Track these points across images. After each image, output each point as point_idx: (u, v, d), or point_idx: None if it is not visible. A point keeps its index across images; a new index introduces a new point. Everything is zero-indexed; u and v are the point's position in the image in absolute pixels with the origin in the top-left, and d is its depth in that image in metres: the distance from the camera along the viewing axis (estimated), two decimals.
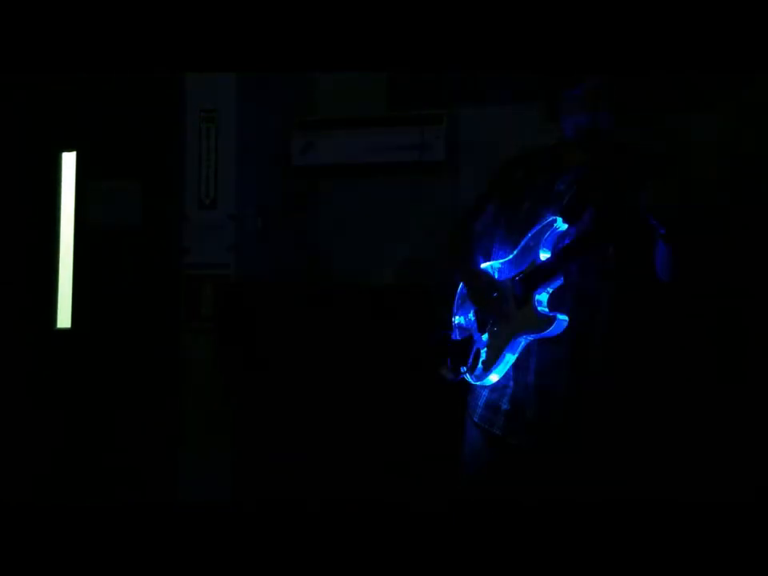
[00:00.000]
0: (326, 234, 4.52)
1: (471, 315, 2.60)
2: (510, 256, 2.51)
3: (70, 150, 4.67)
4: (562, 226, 2.39)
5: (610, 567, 2.34)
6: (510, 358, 2.46)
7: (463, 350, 2.57)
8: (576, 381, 2.42)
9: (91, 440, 4.39)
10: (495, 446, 2.52)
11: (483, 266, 2.60)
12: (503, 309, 2.47)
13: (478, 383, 2.54)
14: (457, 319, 2.65)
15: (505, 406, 2.49)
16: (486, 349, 2.52)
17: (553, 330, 2.37)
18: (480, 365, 2.52)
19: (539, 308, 2.39)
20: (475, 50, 3.39)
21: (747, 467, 3.26)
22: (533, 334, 2.40)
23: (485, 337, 2.53)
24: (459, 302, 2.66)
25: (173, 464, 4.18)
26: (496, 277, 2.55)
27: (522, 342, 2.45)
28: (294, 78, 4.40)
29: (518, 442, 2.47)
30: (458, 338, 2.62)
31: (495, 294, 2.50)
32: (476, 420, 2.57)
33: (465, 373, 2.56)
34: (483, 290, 2.55)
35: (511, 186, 2.58)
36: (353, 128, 4.34)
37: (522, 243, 2.47)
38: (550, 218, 2.41)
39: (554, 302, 2.40)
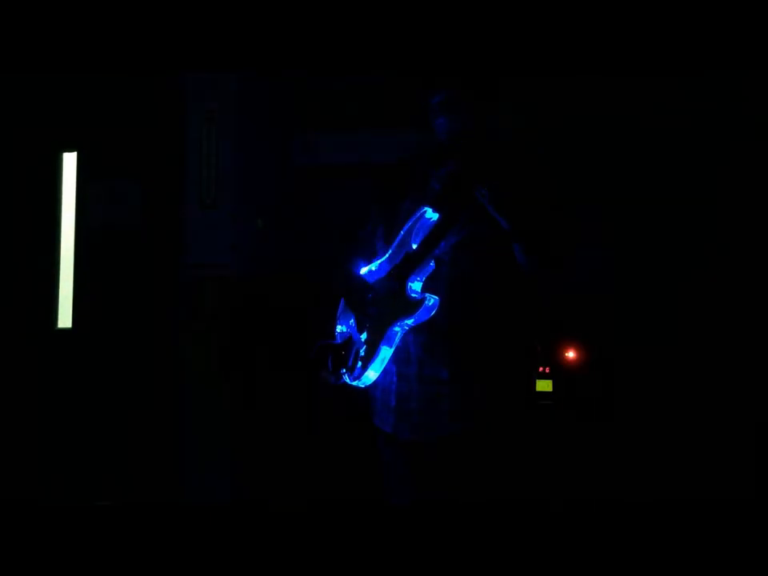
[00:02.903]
0: (326, 234, 4.52)
1: (352, 321, 2.54)
2: (386, 255, 2.49)
3: (70, 150, 4.67)
4: (432, 215, 2.38)
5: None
6: (386, 352, 2.41)
7: (343, 352, 2.51)
8: (455, 367, 2.39)
9: (92, 440, 4.39)
10: (390, 446, 2.49)
11: (362, 270, 2.55)
12: (380, 306, 2.44)
13: (356, 383, 2.47)
14: (339, 328, 2.59)
15: (392, 403, 2.45)
16: (364, 346, 2.46)
17: (423, 312, 2.34)
18: (359, 362, 2.45)
19: (411, 294, 2.37)
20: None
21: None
22: (404, 318, 2.37)
23: (363, 336, 2.47)
24: (341, 311, 2.60)
25: (173, 464, 4.18)
26: (373, 278, 2.52)
27: (399, 331, 2.41)
28: (294, 78, 4.40)
29: (407, 437, 2.43)
30: (339, 341, 2.55)
31: (370, 296, 2.48)
32: (376, 423, 2.53)
33: (345, 374, 2.49)
34: (359, 293, 2.52)
35: (391, 189, 2.60)
36: (353, 128, 4.35)
37: (398, 240, 2.45)
38: (422, 210, 2.40)
39: (428, 289, 2.38)
